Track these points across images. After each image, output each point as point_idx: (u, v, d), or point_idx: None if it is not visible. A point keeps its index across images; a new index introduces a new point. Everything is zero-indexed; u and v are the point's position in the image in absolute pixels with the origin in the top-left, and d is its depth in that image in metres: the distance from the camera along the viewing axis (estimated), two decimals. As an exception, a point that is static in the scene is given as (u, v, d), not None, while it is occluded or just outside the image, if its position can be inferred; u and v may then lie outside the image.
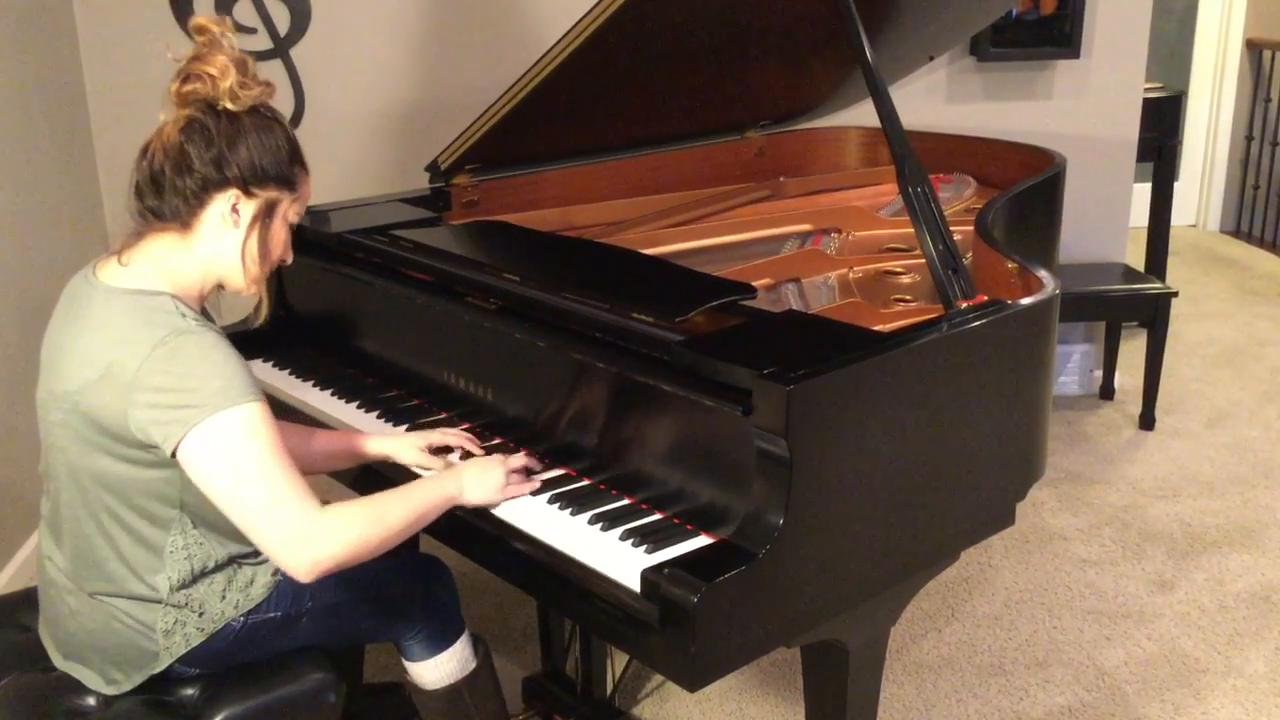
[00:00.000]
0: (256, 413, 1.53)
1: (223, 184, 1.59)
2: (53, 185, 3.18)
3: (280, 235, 1.68)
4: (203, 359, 1.52)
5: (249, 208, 1.62)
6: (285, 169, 1.63)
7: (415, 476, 1.81)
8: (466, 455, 1.85)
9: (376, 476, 1.91)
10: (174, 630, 1.64)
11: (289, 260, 1.73)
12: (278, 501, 1.52)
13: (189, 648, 1.65)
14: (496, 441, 1.91)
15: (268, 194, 1.62)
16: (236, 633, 1.68)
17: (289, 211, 1.67)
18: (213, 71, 1.56)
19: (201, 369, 1.52)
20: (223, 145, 1.58)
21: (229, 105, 1.58)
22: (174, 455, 1.52)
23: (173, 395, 1.50)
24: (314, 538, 1.53)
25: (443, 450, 1.87)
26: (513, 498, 1.72)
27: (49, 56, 3.24)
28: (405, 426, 1.98)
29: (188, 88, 1.58)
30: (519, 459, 1.78)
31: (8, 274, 2.89)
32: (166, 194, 1.59)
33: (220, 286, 1.67)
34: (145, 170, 1.60)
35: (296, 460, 1.58)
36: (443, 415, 2.02)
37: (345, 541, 1.55)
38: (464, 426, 1.96)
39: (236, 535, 1.64)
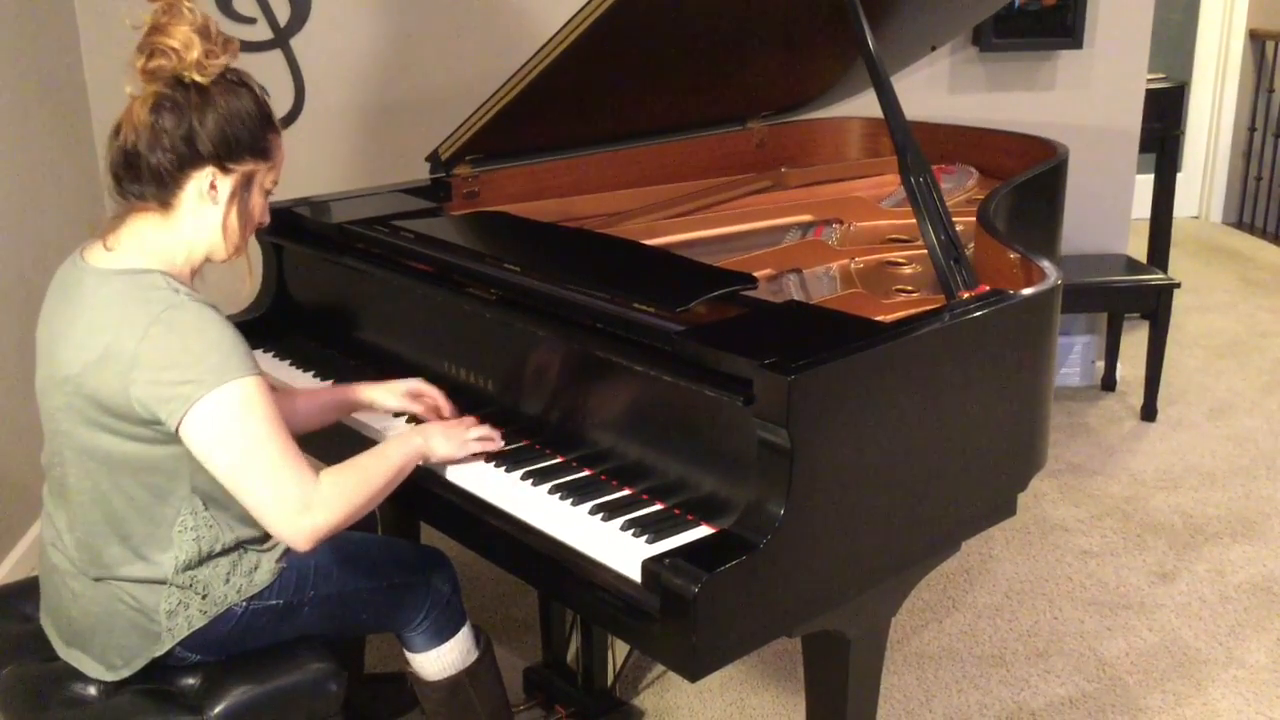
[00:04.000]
0: (254, 386, 1.55)
1: (197, 162, 1.59)
2: (53, 176, 3.18)
3: (259, 204, 1.69)
4: (200, 334, 1.53)
5: (226, 184, 1.62)
6: (258, 137, 1.63)
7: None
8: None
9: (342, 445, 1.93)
10: (177, 611, 1.64)
11: (267, 222, 1.74)
12: (276, 472, 1.54)
13: (191, 630, 1.65)
14: (498, 432, 1.91)
15: (243, 167, 1.63)
16: (238, 618, 1.68)
17: (266, 181, 1.68)
18: (176, 45, 1.55)
19: (199, 344, 1.53)
20: (194, 120, 1.57)
21: (197, 78, 1.57)
22: (177, 431, 1.53)
23: (173, 372, 1.51)
24: (311, 506, 1.56)
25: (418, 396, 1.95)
26: (478, 452, 1.79)
27: (48, 45, 3.23)
28: (405, 418, 1.98)
29: (153, 64, 1.56)
30: (470, 420, 1.85)
31: (8, 264, 2.88)
32: (143, 174, 1.59)
33: (207, 258, 1.68)
34: (118, 151, 1.60)
35: (286, 424, 1.60)
36: (444, 406, 2.02)
37: (339, 506, 1.59)
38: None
39: (246, 520, 1.65)
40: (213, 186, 1.61)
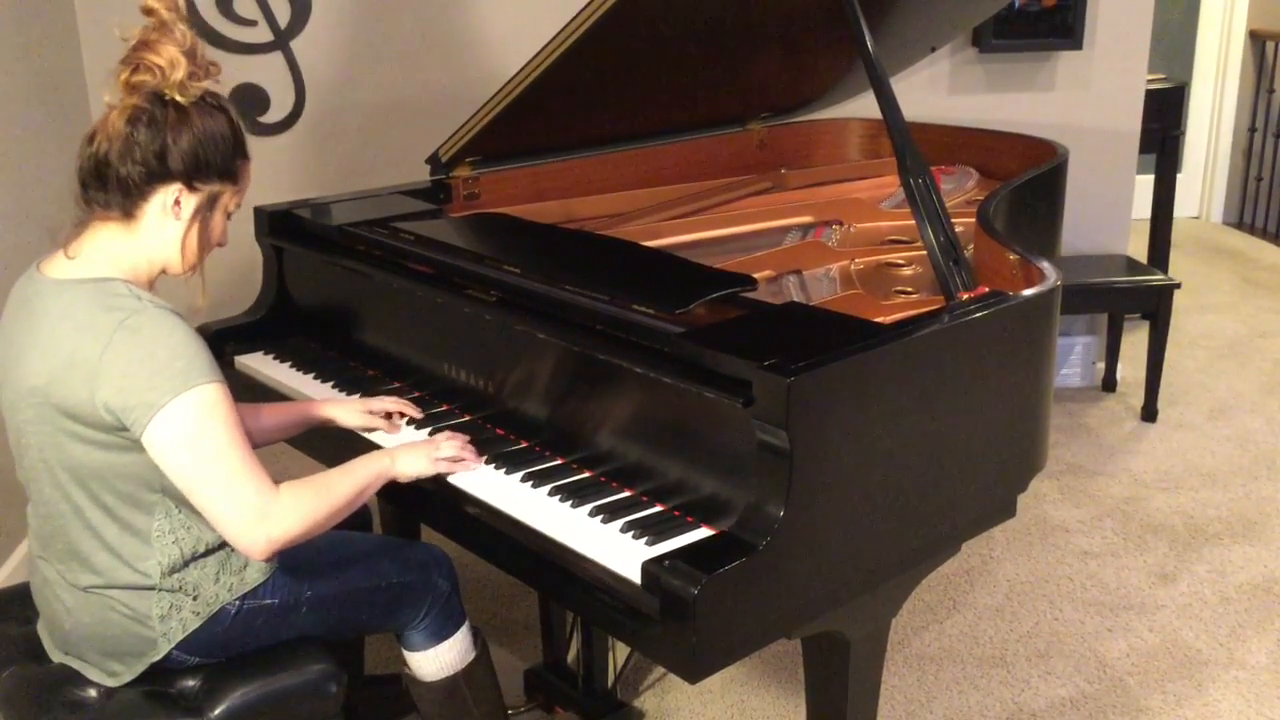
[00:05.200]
0: (216, 393, 1.55)
1: (166, 177, 1.60)
2: (52, 176, 3.18)
3: (220, 225, 1.71)
4: (165, 340, 1.54)
5: (190, 202, 1.63)
6: (229, 161, 1.65)
7: (364, 441, 1.93)
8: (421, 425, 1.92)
9: (339, 449, 1.95)
10: (170, 615, 1.64)
11: (225, 244, 1.75)
12: (235, 480, 1.55)
13: (186, 633, 1.65)
14: (499, 434, 1.92)
15: (210, 188, 1.64)
16: (233, 617, 1.68)
17: (230, 204, 1.70)
18: (162, 64, 1.57)
19: (164, 351, 1.53)
20: (168, 137, 1.59)
21: (177, 97, 1.59)
22: (141, 437, 1.54)
23: (137, 378, 1.52)
24: (269, 515, 1.57)
25: (385, 416, 1.96)
26: (448, 472, 1.78)
27: (48, 45, 3.23)
28: (413, 426, 1.98)
29: (137, 78, 1.58)
30: (445, 436, 1.83)
31: (7, 265, 2.88)
32: (110, 183, 1.60)
33: (163, 271, 1.69)
34: (89, 158, 1.60)
35: (249, 437, 1.60)
36: (444, 407, 2.02)
37: (297, 518, 1.59)
38: (465, 418, 1.97)
39: None
40: (177, 203, 1.62)
